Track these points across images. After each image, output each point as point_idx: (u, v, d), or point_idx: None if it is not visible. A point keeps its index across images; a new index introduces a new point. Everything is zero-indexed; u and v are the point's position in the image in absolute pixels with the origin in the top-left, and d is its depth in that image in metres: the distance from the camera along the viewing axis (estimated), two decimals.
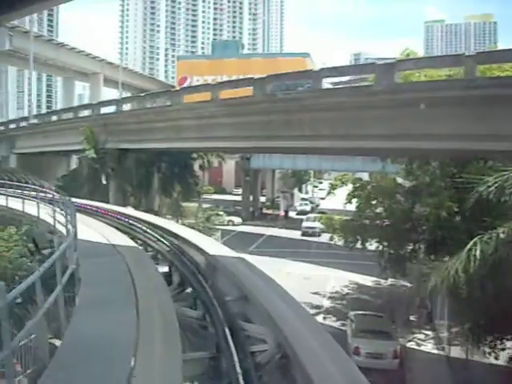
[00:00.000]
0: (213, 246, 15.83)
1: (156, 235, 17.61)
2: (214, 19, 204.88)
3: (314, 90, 21.33)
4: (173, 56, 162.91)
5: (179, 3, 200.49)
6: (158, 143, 30.14)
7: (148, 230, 18.28)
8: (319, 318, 25.26)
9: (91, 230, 15.87)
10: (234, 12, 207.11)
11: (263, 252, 42.09)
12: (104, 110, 35.34)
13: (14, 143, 46.30)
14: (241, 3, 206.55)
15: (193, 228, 42.17)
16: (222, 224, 51.54)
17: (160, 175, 36.77)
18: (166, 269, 14.80)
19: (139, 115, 30.59)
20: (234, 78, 29.78)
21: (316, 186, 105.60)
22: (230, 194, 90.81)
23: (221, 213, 54.51)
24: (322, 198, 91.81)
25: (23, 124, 45.69)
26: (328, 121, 20.94)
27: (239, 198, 73.98)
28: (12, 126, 48.30)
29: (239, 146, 27.91)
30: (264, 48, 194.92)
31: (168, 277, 13.78)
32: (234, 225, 60.18)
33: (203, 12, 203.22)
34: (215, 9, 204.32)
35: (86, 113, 37.36)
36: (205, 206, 55.83)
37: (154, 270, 11.99)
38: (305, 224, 52.11)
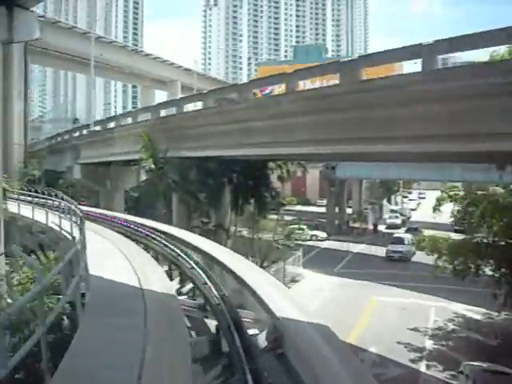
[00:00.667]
0: (279, 296, 11.21)
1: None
2: (297, 26, 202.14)
3: (427, 71, 15.30)
4: (255, 64, 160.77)
5: (261, 12, 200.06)
6: (225, 150, 25.06)
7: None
8: (421, 366, 21.33)
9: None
10: (317, 18, 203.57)
11: (350, 274, 37.86)
12: (165, 112, 30.96)
13: (78, 153, 43.14)
14: (324, 9, 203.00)
15: (270, 246, 37.53)
16: (304, 239, 46.13)
17: (231, 188, 31.71)
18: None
19: (202, 117, 25.63)
20: (317, 83, 24.55)
21: (405, 197, 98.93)
22: (314, 205, 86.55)
23: (303, 227, 49.26)
24: (413, 209, 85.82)
25: (85, 132, 42.41)
26: (448, 114, 14.88)
27: (324, 210, 69.37)
28: (76, 134, 45.28)
29: (322, 151, 22.07)
30: (348, 52, 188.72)
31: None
32: (317, 240, 55.16)
33: (285, 20, 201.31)
34: (297, 16, 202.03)
35: (145, 117, 33.16)
36: (287, 218, 51.07)
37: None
38: (391, 247, 45.11)
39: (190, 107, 29.55)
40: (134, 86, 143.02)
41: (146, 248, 17.65)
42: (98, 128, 40.93)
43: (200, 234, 32.83)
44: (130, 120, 34.91)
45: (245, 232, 37.69)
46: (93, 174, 42.15)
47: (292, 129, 20.74)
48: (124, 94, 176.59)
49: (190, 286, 15.66)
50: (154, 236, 19.19)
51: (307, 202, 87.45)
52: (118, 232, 20.02)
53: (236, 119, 23.23)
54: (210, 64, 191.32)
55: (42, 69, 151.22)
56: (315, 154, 24.63)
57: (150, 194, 36.89)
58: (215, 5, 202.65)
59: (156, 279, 10.56)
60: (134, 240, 18.36)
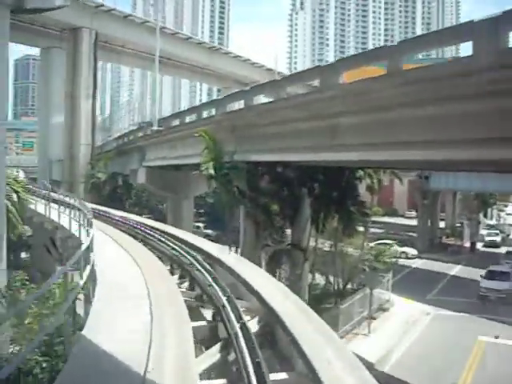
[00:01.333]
0: None
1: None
2: (385, 30, 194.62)
3: None
4: None
5: (348, 15, 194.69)
6: (304, 154, 19.54)
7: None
8: None
9: None
10: (406, 22, 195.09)
11: (446, 303, 31.57)
12: (232, 107, 25.84)
13: (144, 154, 39.20)
14: (413, 12, 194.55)
15: (355, 267, 31.97)
16: (392, 256, 40.13)
17: (311, 200, 26.25)
18: None
19: (276, 111, 20.26)
20: None
21: (502, 210, 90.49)
22: (402, 216, 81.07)
23: (391, 242, 43.41)
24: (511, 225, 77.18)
25: (149, 131, 38.32)
26: None
27: (413, 222, 64.55)
28: (140, 134, 41.41)
29: (442, 157, 15.81)
30: (438, 54, 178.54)
31: None
32: (407, 258, 48.83)
33: (373, 23, 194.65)
34: (386, 19, 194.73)
35: (211, 112, 28.32)
36: (372, 229, 45.38)
37: None
38: (486, 284, 33.87)
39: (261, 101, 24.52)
40: (219, 90, 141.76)
41: None
42: (160, 127, 36.65)
43: (271, 256, 28.15)
44: (194, 117, 30.27)
45: (324, 245, 32.61)
46: (158, 179, 38.02)
47: (395, 125, 15.05)
48: (209, 98, 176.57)
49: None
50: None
51: (394, 213, 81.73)
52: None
53: (319, 113, 17.73)
54: (295, 69, 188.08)
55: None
56: (431, 161, 18.63)
57: (218, 205, 32.17)
58: (301, 9, 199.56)
59: None
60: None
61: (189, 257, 14.77)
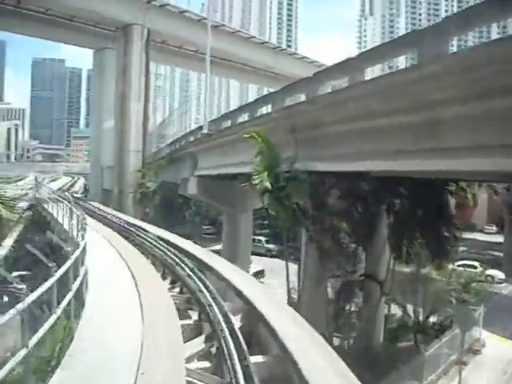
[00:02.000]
0: None
1: None
2: None
3: None
4: None
5: (419, 20, 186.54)
6: (387, 161, 14.37)
7: None
8: None
9: None
10: (481, 31, 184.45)
11: None
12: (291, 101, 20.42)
13: (195, 162, 34.82)
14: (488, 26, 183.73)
15: (440, 298, 26.19)
16: (477, 281, 33.92)
17: (390, 219, 20.83)
18: None
19: (347, 102, 14.87)
20: None
21: None
22: (481, 231, 73.47)
23: (475, 264, 37.21)
24: None
25: (199, 135, 33.84)
26: None
27: (494, 239, 57.25)
28: (191, 139, 37.09)
29: None
30: None
31: None
32: (494, 282, 42.06)
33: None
34: None
35: (266, 110, 23.30)
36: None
37: None
38: None
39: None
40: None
41: None
42: (211, 130, 32.01)
43: (340, 289, 22.93)
44: (247, 117, 25.36)
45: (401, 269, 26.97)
46: (212, 189, 33.49)
47: None
48: None
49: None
50: None
51: (472, 228, 74.16)
52: None
53: (412, 102, 12.41)
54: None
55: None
56: None
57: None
58: (371, 14, 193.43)
59: None
60: None
61: None
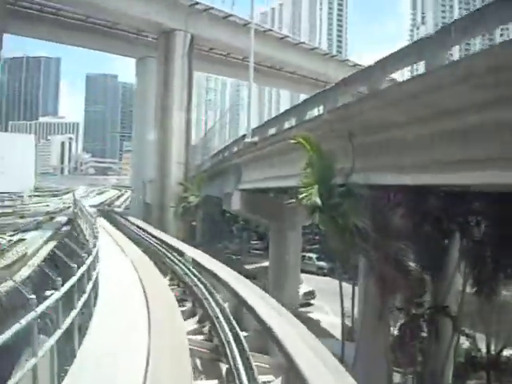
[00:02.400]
0: None
1: None
2: None
3: None
4: None
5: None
6: (469, 173, 11.16)
7: None
8: None
9: None
10: None
11: None
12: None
13: (239, 174, 32.15)
14: None
15: None
16: None
17: (464, 242, 17.47)
18: None
19: (424, 95, 11.49)
20: None
21: None
22: None
23: None
24: None
25: (242, 145, 31.04)
26: None
27: None
28: (235, 149, 34.35)
29: None
30: None
31: None
32: None
33: (501, 35, 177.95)
34: None
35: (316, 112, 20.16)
36: None
37: None
38: None
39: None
40: None
41: None
42: (255, 138, 29.10)
43: (404, 325, 19.51)
44: (294, 122, 22.30)
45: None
46: (257, 205, 30.76)
47: None
48: None
49: None
50: None
51: None
52: None
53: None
54: None
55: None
56: None
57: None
58: (423, 23, 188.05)
59: None
60: None
61: None
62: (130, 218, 40.26)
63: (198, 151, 56.12)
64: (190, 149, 44.04)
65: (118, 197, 78.85)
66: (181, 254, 21.76)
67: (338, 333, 24.46)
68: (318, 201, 14.54)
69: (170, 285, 17.53)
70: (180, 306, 14.69)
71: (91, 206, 53.30)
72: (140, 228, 33.46)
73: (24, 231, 30.13)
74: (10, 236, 28.26)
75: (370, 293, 16.60)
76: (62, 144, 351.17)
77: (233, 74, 62.53)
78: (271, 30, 53.47)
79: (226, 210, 38.30)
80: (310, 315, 31.00)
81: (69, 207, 41.84)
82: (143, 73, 50.24)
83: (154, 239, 27.00)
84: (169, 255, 21.76)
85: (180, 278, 17.82)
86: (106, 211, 48.33)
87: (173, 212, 40.70)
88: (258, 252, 51.66)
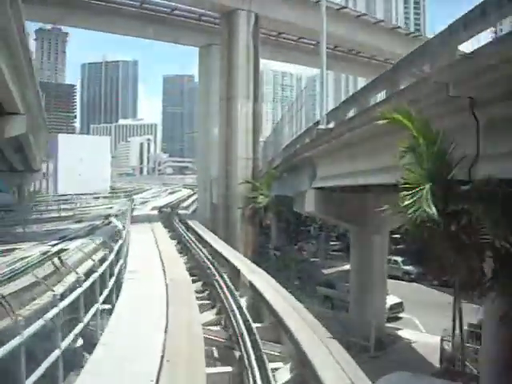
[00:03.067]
0: None
1: None
2: None
3: None
4: None
5: None
6: None
7: None
8: None
9: None
10: None
11: None
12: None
13: (314, 170, 27.16)
14: None
15: None
16: None
17: None
18: None
19: None
20: None
21: None
22: None
23: None
24: None
25: (315, 134, 25.74)
26: None
27: None
28: (307, 139, 29.12)
29: None
30: None
31: None
32: None
33: None
34: None
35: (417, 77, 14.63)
36: None
37: None
38: None
39: None
40: None
41: None
42: (331, 125, 23.74)
43: None
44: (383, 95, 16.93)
45: None
46: (335, 205, 25.69)
47: None
48: None
49: None
50: None
51: None
52: None
53: None
54: None
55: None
56: None
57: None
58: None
59: None
60: None
61: None
62: (190, 223, 36.14)
63: (270, 147, 51.34)
64: (258, 143, 39.33)
65: (189, 196, 75.56)
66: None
67: (435, 358, 20.38)
68: (433, 210, 9.27)
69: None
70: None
71: (154, 209, 49.92)
72: (198, 236, 29.27)
73: (71, 239, 26.32)
74: (51, 246, 24.63)
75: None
76: (141, 145, 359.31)
77: (305, 61, 57.01)
78: (346, 8, 47.76)
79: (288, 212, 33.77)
80: (399, 333, 25.89)
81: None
82: (206, 63, 46.11)
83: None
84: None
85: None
86: (169, 214, 44.49)
87: (239, 214, 36.24)
88: (336, 253, 47.20)
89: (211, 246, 24.09)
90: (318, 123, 26.33)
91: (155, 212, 45.07)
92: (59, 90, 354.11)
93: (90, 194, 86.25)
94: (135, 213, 43.81)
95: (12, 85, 25.41)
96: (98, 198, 73.17)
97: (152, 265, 17.44)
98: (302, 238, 50.33)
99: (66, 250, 25.59)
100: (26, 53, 23.46)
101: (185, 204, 62.02)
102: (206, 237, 27.42)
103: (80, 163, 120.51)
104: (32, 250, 21.96)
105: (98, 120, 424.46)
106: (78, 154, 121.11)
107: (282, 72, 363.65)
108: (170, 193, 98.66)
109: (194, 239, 27.50)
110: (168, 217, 40.89)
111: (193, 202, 61.26)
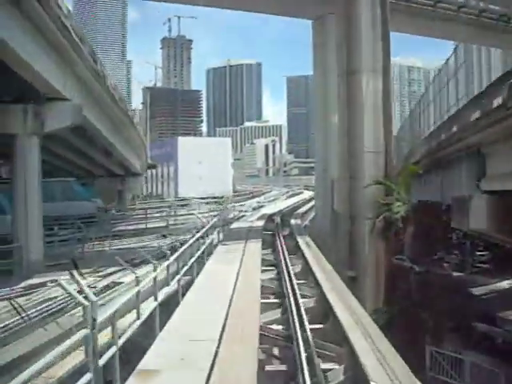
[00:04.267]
0: None
1: None
2: None
3: None
4: None
5: None
6: None
7: None
8: None
9: None
10: None
11: None
12: None
13: (481, 165, 17.49)
14: None
15: None
16: None
17: None
18: None
19: None
20: None
21: None
22: None
23: None
24: None
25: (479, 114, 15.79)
26: None
27: None
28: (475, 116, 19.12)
29: None
30: None
31: None
32: None
33: None
34: None
35: None
36: None
37: None
38: None
39: None
40: None
41: None
42: None
43: None
44: None
45: None
46: None
47: None
48: None
49: None
50: None
51: None
52: None
53: None
54: None
55: None
56: None
57: None
58: None
59: None
60: None
61: None
62: (300, 241, 27.31)
63: (403, 139, 40.64)
64: (391, 131, 29.47)
65: (309, 200, 66.78)
66: None
67: None
68: None
69: None
70: None
71: (261, 218, 41.47)
72: (306, 265, 20.45)
73: (139, 264, 19.15)
74: (102, 276, 17.62)
75: None
76: (266, 147, 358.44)
77: (441, 32, 45.56)
78: None
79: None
80: None
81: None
82: (321, 36, 37.01)
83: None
84: None
85: None
86: (277, 225, 35.68)
87: (368, 226, 26.86)
88: (485, 266, 36.33)
89: (321, 290, 15.14)
90: (483, 93, 16.37)
91: (261, 223, 36.65)
92: (186, 96, 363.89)
93: (204, 197, 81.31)
94: (234, 225, 35.87)
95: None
96: (207, 203, 66.93)
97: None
98: (440, 247, 39.87)
99: (120, 283, 18.23)
100: None
101: (302, 210, 52.92)
102: (317, 271, 18.39)
103: (200, 166, 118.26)
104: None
105: (223, 123, 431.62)
106: (198, 156, 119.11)
107: (407, 66, 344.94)
108: (290, 195, 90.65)
109: (297, 272, 18.93)
110: (275, 229, 32.36)
111: (312, 207, 52.35)
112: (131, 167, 57.64)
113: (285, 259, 20.83)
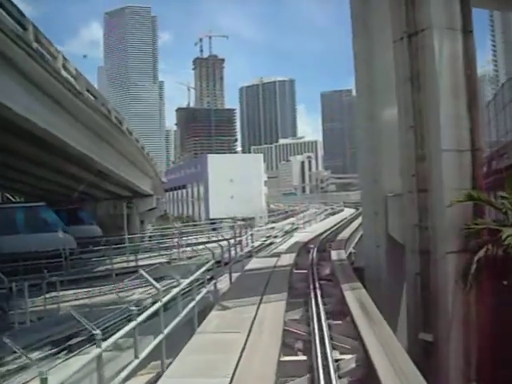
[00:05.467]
0: None
1: None
2: None
3: None
4: None
5: None
6: None
7: None
8: None
9: None
10: None
11: None
12: None
13: None
14: None
15: None
16: None
17: None
18: None
19: None
20: None
21: None
22: None
23: None
24: None
25: None
26: None
27: None
28: None
29: None
30: None
31: None
32: None
33: None
34: None
35: None
36: None
37: None
38: None
39: None
40: None
41: None
42: None
43: None
44: None
45: None
46: None
47: None
48: None
49: None
50: None
51: None
52: None
53: None
54: None
55: None
56: None
57: None
58: None
59: None
60: None
61: None
62: (346, 291, 17.59)
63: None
64: (479, 119, 19.67)
65: (351, 220, 56.86)
66: None
67: None
68: None
69: None
70: None
71: (291, 249, 31.66)
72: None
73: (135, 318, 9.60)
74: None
75: None
76: (302, 163, 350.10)
77: None
78: None
79: None
80: None
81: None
82: (364, 15, 27.54)
83: None
84: None
85: None
86: (313, 262, 25.90)
87: (454, 265, 17.23)
88: None
89: None
90: None
91: (291, 258, 26.96)
92: (219, 116, 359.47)
93: (233, 218, 72.96)
94: (252, 262, 26.26)
95: None
96: (232, 226, 57.92)
97: None
98: None
99: None
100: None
101: (344, 233, 42.61)
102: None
103: (231, 184, 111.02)
104: None
105: (258, 141, 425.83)
106: (228, 174, 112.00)
107: None
108: (329, 214, 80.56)
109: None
110: (309, 270, 22.83)
111: (356, 229, 42.41)
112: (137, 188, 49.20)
113: (322, 337, 11.43)
